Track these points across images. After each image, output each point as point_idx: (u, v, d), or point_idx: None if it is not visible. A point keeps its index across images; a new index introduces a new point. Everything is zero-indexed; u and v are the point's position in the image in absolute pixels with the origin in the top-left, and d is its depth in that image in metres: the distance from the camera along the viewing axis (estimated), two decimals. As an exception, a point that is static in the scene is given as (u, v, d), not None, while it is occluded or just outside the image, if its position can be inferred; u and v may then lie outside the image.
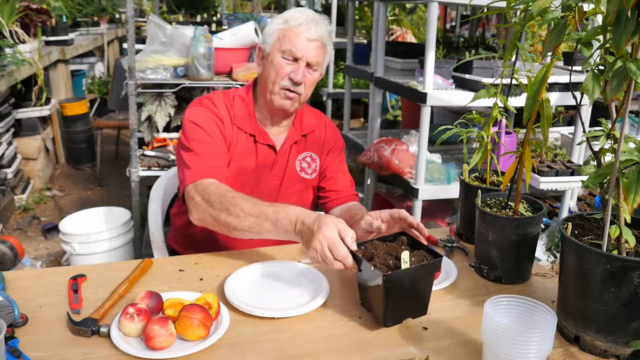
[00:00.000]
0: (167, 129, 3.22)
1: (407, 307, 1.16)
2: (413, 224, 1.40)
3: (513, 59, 1.36)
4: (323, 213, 1.47)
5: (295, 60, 1.59)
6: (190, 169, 1.53)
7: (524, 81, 1.43)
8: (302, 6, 4.29)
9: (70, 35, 5.34)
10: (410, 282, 1.14)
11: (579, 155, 3.07)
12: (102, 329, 1.11)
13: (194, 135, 1.59)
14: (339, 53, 5.54)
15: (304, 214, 1.30)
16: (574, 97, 1.15)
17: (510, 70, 1.36)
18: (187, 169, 1.54)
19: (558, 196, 3.30)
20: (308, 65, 1.60)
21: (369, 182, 3.53)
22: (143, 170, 2.94)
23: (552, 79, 2.80)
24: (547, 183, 2.55)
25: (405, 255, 1.14)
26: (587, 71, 0.98)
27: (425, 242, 1.33)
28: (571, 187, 2.66)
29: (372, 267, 1.12)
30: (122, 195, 4.43)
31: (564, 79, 2.84)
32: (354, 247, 1.20)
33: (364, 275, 1.17)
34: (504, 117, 1.48)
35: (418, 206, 2.86)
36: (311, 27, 1.58)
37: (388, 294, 1.11)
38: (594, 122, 3.08)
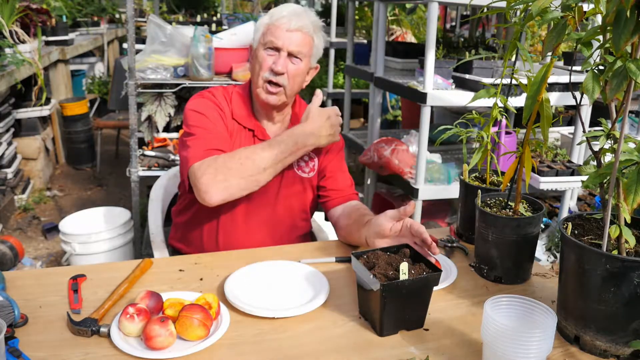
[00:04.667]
0: (167, 129, 3.21)
1: (403, 319, 1.16)
2: (427, 241, 1.33)
3: (513, 59, 1.36)
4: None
5: (277, 50, 1.60)
6: (194, 149, 1.54)
7: (524, 81, 1.43)
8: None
9: (70, 35, 5.34)
10: (407, 294, 1.14)
11: (579, 155, 3.07)
12: (102, 329, 1.11)
13: (196, 122, 1.61)
14: (339, 53, 5.54)
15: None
16: (574, 97, 1.15)
17: (510, 70, 1.36)
18: (191, 150, 1.55)
19: (558, 196, 3.30)
20: (290, 55, 1.61)
21: (369, 182, 3.53)
22: (143, 170, 2.94)
23: (552, 79, 2.80)
24: (547, 183, 2.55)
25: (404, 267, 1.14)
26: (587, 71, 0.98)
27: (432, 260, 1.29)
28: (571, 187, 2.66)
29: (371, 276, 1.13)
30: (122, 195, 4.43)
31: (564, 79, 2.84)
32: None
33: (363, 284, 1.17)
34: (504, 117, 1.48)
35: (418, 206, 2.85)
36: (292, 19, 1.59)
37: (384, 303, 1.11)
38: (594, 122, 3.08)
